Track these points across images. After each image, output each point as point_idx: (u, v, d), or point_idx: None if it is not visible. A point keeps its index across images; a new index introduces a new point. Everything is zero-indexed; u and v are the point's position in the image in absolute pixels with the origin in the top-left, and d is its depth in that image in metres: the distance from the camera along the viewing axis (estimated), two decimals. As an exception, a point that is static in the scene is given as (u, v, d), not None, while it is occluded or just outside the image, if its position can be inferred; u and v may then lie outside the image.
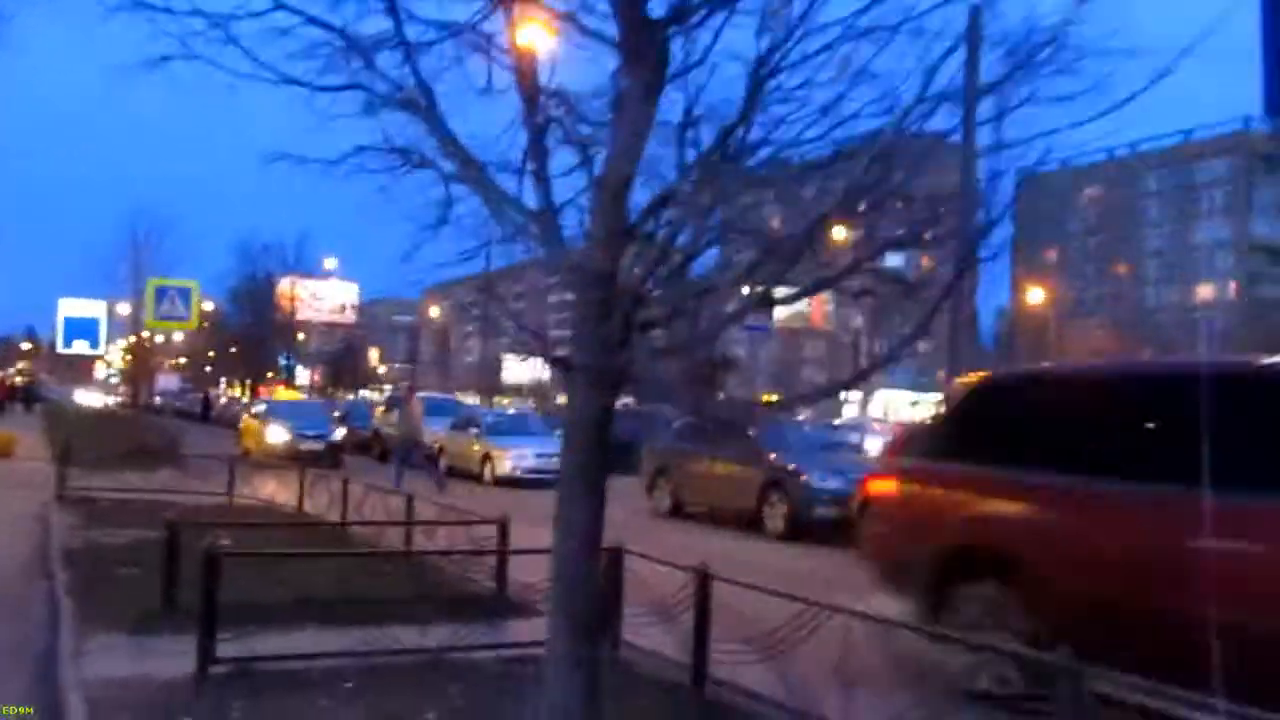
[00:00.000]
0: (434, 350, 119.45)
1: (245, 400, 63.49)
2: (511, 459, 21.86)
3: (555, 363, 4.98)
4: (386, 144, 5.94)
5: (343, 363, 68.34)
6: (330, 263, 65.02)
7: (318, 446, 23.67)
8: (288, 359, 61.93)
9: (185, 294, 22.07)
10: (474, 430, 23.63)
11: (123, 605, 7.60)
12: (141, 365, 31.81)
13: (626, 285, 4.74)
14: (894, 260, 4.90)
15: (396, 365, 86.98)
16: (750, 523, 15.02)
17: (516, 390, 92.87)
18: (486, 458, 22.34)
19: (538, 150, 5.32)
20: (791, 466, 14.88)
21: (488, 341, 55.02)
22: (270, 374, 68.72)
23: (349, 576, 8.58)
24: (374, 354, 72.57)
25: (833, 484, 14.35)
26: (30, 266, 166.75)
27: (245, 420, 27.67)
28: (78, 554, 10.01)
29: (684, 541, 14.48)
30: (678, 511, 16.88)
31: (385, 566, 9.17)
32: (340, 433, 25.90)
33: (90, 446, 21.48)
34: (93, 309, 47.22)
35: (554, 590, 5.00)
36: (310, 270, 62.21)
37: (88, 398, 67.84)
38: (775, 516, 14.76)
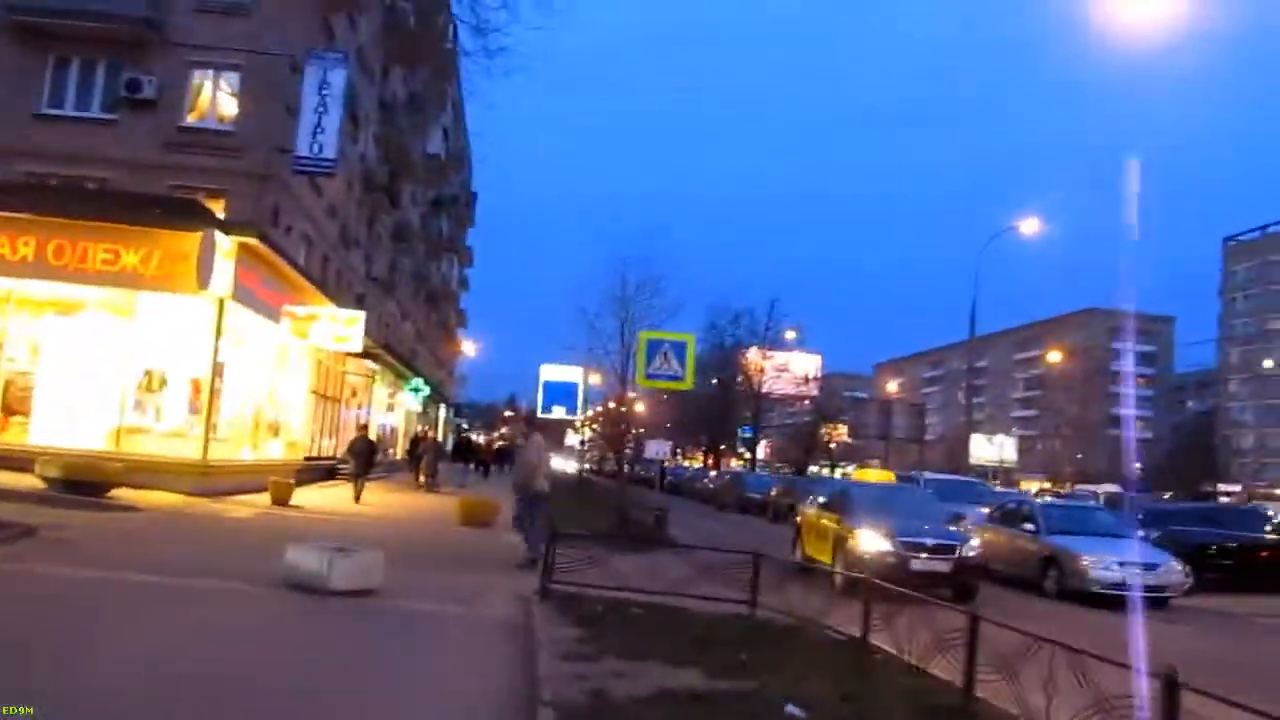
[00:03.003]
0: (887, 425, 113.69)
1: (706, 468, 62.26)
2: (1090, 567, 16.24)
3: None
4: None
5: (812, 436, 64.95)
6: (791, 333, 62.04)
7: (941, 565, 15.21)
8: (752, 430, 59.40)
9: (680, 349, 18.89)
10: (1028, 525, 18.21)
11: None
12: (623, 429, 29.51)
13: None
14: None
15: (851, 441, 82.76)
16: None
17: (980, 471, 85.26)
18: (1051, 563, 16.87)
19: None
20: None
21: (969, 417, 48.84)
22: (724, 445, 66.92)
23: None
24: (840, 428, 68.54)
25: None
26: (517, 336, 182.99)
27: (807, 513, 18.75)
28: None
29: None
30: None
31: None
32: (977, 543, 16.26)
33: (571, 520, 18.78)
34: (571, 374, 47.38)
35: None
36: (775, 342, 59.48)
37: (561, 464, 69.61)
38: None
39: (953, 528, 16.67)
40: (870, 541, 15.44)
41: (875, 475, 22.11)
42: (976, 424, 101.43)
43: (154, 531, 14.57)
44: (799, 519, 19.11)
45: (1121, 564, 16.20)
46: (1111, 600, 15.52)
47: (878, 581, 9.63)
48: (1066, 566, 16.61)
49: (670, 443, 40.45)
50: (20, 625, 7.94)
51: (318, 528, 16.97)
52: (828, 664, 8.73)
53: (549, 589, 11.51)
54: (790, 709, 6.88)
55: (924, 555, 15.20)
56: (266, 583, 10.56)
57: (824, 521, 17.47)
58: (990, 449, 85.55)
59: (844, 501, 17.58)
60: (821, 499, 18.89)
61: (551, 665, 7.84)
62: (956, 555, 15.38)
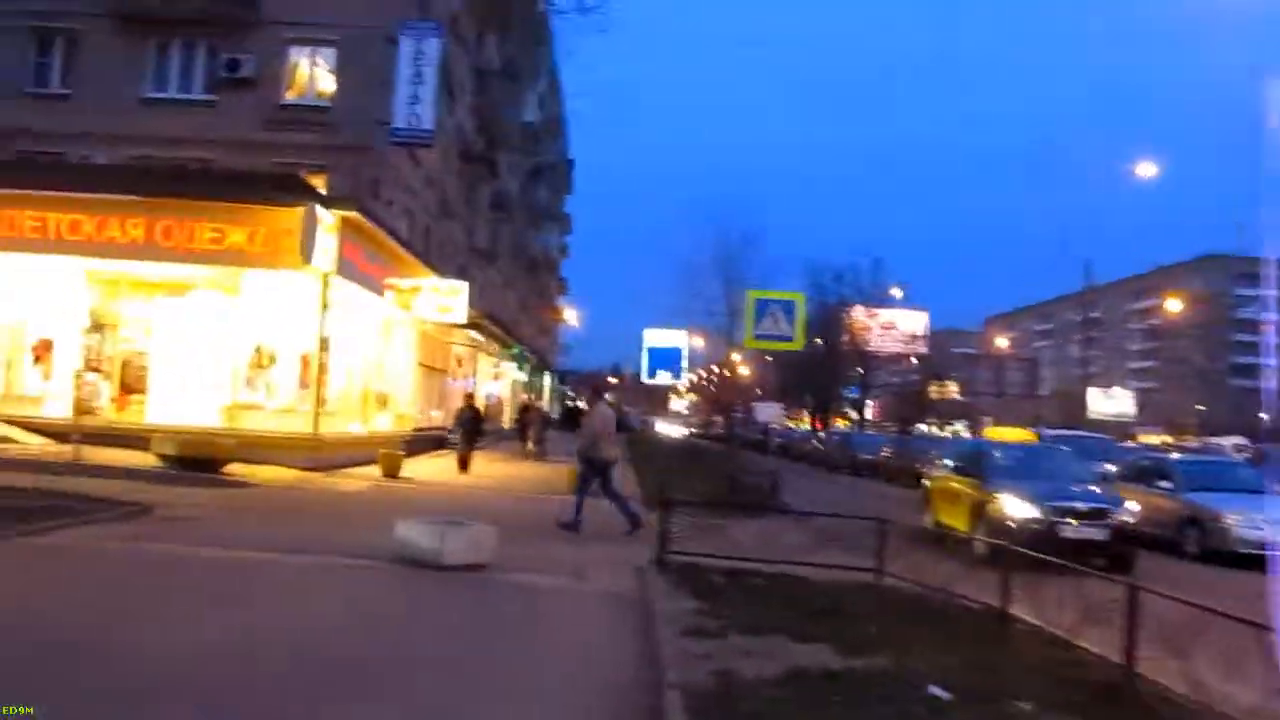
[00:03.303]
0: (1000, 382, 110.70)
1: (811, 430, 61.32)
2: (1234, 526, 15.31)
3: None
4: None
5: (921, 394, 63.53)
6: (898, 291, 60.58)
7: (1096, 533, 13.77)
8: (858, 389, 58.30)
9: (789, 308, 18.33)
10: (1164, 483, 17.26)
11: None
12: (729, 392, 28.99)
13: None
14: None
15: (961, 398, 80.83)
16: None
17: (1099, 425, 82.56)
18: (1192, 522, 15.95)
19: None
20: None
21: (1088, 369, 47.10)
22: (830, 406, 65.94)
23: None
24: (951, 386, 66.87)
25: None
26: (619, 302, 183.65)
27: (936, 477, 17.52)
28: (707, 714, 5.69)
29: None
30: None
31: None
32: (1131, 507, 14.64)
33: (681, 486, 18.43)
34: (675, 339, 47.01)
35: None
36: (880, 299, 58.12)
37: (667, 429, 69.45)
38: None
39: (1102, 490, 15.40)
40: (1015, 507, 14.17)
41: (1013, 436, 20.27)
42: (1092, 377, 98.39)
43: (268, 507, 14.62)
44: (927, 483, 17.89)
45: (1268, 522, 15.21)
46: (1258, 561, 14.58)
47: (1027, 551, 9.00)
48: (1208, 526, 15.69)
49: (780, 405, 39.75)
50: (136, 607, 7.84)
51: (428, 499, 16.93)
52: (966, 637, 8.20)
53: (664, 559, 11.17)
54: (933, 689, 6.39)
55: (1075, 521, 13.92)
56: (380, 557, 10.41)
57: (957, 485, 16.19)
58: (1108, 403, 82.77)
59: (980, 464, 16.12)
60: (953, 461, 17.65)
61: (673, 643, 7.46)
62: (1112, 521, 14.04)
